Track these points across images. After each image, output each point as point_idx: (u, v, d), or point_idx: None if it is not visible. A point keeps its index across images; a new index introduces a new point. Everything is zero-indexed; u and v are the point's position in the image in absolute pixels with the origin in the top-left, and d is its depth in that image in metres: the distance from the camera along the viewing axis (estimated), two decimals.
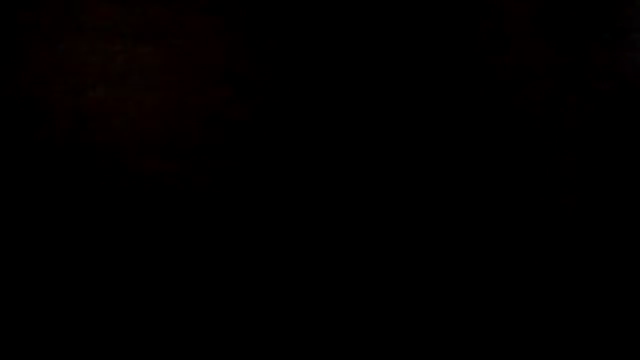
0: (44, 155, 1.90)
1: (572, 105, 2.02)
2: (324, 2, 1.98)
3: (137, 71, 1.94)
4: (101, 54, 1.90)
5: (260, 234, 1.99)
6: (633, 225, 2.03)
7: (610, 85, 2.02)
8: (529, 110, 2.03)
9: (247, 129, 1.98)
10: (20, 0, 1.84)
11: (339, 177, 1.99)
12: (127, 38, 1.90)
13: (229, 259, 1.99)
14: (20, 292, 1.91)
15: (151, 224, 1.98)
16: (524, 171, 2.03)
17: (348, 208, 1.99)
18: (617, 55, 2.01)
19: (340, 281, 2.00)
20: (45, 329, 1.92)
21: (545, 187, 2.03)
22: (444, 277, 2.00)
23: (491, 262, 2.02)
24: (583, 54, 1.99)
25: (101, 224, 1.96)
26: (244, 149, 1.99)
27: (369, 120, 1.99)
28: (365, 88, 2.00)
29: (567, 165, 2.01)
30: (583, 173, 2.02)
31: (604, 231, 2.04)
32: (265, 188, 1.99)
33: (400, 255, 1.99)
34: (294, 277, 2.00)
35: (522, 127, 2.02)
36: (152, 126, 1.93)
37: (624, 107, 2.02)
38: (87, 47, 1.88)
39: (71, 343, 1.92)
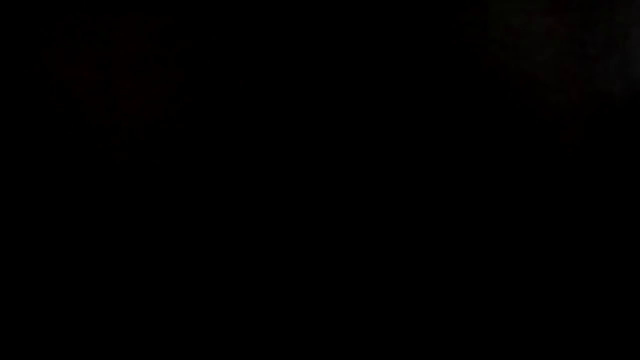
0: None
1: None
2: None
3: None
4: None
5: (257, 232, 1.99)
6: (634, 222, 2.03)
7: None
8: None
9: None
10: None
11: (334, 176, 1.99)
12: None
13: (225, 257, 1.99)
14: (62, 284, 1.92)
15: (142, 217, 1.98)
16: (527, 165, 2.02)
17: (344, 207, 1.99)
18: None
19: (334, 279, 2.00)
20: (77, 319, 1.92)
21: (547, 181, 2.03)
22: (443, 275, 2.00)
23: (491, 261, 2.02)
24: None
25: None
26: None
27: (368, 115, 1.99)
28: (360, 79, 1.99)
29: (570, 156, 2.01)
30: (586, 166, 2.01)
31: (605, 228, 2.03)
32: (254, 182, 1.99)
33: (399, 251, 1.99)
34: (284, 275, 2.00)
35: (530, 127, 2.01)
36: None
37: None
38: None
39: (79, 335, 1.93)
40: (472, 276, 1.99)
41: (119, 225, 1.95)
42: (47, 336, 1.92)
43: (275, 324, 1.98)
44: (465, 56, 1.98)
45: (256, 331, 1.98)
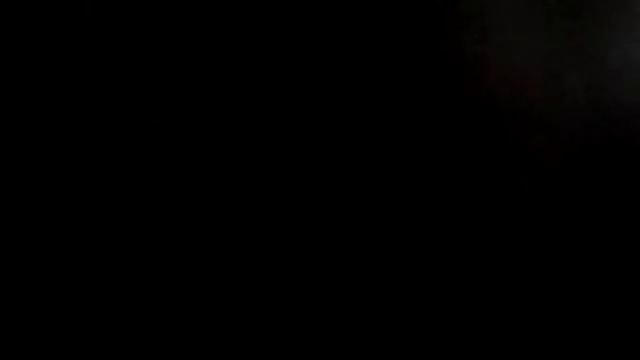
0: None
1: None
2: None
3: None
4: None
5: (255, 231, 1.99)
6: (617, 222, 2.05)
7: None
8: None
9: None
10: None
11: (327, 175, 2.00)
12: None
13: (223, 256, 1.99)
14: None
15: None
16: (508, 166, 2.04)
17: (340, 206, 2.00)
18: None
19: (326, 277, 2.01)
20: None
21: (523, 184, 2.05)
22: (442, 275, 2.01)
23: (489, 261, 2.03)
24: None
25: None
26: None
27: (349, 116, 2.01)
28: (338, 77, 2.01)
29: (546, 164, 2.03)
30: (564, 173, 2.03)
31: (577, 233, 2.06)
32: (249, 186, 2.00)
33: (399, 250, 2.00)
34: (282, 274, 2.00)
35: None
36: None
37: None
38: None
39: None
40: (470, 275, 2.00)
41: (118, 224, 1.95)
42: (46, 336, 1.91)
43: (274, 324, 1.98)
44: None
45: (255, 331, 1.98)
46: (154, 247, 1.96)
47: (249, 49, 2.00)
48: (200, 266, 1.98)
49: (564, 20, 2.01)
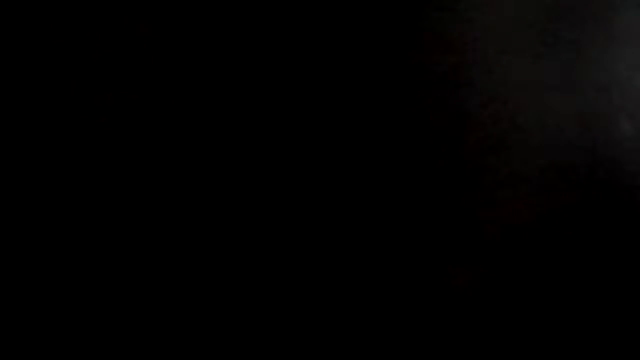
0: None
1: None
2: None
3: None
4: None
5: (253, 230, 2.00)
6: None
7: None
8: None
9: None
10: None
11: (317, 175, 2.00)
12: None
13: (222, 257, 2.00)
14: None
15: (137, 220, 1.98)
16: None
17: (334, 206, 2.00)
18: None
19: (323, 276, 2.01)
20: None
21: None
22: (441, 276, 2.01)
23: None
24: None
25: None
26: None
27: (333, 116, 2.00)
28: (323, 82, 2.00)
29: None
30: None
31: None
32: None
33: (398, 251, 2.00)
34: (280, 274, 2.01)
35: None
36: None
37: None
38: None
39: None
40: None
41: (116, 224, 1.96)
42: (46, 336, 1.93)
43: (273, 324, 1.99)
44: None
45: (254, 331, 1.99)
46: (154, 247, 1.96)
47: (243, 51, 1.99)
48: (199, 266, 1.98)
49: (551, 41, 2.00)
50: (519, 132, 1.98)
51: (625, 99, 2.01)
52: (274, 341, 1.98)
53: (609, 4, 2.03)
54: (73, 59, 1.93)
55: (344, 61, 1.99)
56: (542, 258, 2.01)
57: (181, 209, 1.97)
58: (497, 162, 1.96)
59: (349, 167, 1.97)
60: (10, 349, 1.90)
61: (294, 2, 1.97)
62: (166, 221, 1.96)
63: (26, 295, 1.91)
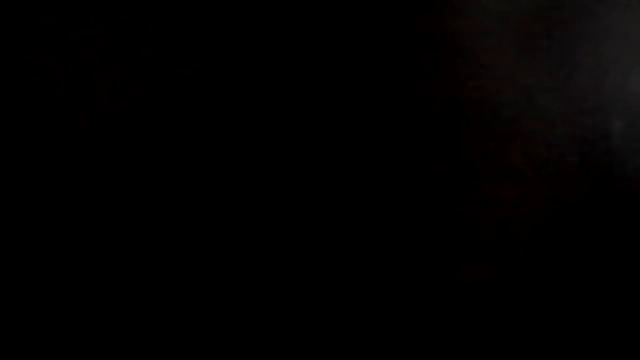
0: None
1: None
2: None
3: None
4: None
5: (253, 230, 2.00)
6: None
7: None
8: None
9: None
10: None
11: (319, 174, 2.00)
12: None
13: (221, 256, 2.00)
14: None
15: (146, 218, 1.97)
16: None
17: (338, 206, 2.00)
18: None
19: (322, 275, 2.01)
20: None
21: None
22: (442, 277, 2.00)
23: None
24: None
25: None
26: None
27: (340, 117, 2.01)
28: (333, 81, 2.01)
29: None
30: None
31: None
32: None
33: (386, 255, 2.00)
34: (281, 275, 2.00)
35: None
36: None
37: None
38: None
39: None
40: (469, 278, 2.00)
41: (115, 224, 1.95)
42: (46, 335, 1.91)
43: (272, 324, 1.98)
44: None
45: (254, 330, 1.98)
46: (154, 247, 1.96)
47: (243, 50, 2.00)
48: (198, 265, 1.98)
49: (540, 39, 2.02)
50: (512, 129, 1.99)
51: (617, 98, 2.04)
52: (277, 339, 1.97)
53: (602, 2, 2.05)
54: (73, 59, 1.95)
55: (342, 65, 2.01)
56: (540, 254, 2.01)
57: (181, 209, 1.96)
58: (493, 159, 1.97)
59: (353, 164, 1.98)
60: (10, 349, 1.88)
61: None
62: (166, 221, 1.95)
63: (26, 295, 1.90)
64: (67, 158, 1.94)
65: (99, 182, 1.94)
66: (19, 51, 1.95)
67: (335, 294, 1.97)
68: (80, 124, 1.93)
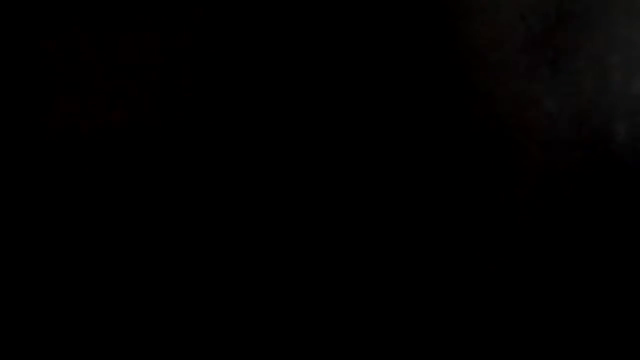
0: None
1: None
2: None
3: None
4: None
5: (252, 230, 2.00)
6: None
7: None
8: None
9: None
10: None
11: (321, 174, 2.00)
12: None
13: (220, 255, 2.00)
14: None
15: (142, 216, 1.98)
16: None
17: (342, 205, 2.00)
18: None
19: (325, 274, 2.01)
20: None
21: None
22: (443, 277, 2.00)
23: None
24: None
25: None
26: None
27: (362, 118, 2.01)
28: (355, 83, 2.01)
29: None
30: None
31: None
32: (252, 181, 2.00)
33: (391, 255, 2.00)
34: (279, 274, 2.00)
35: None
36: None
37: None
38: None
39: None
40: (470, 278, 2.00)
41: (115, 224, 1.95)
42: (46, 335, 1.92)
43: (272, 324, 1.98)
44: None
45: (254, 330, 1.98)
46: (154, 247, 1.96)
47: (247, 48, 2.00)
48: (198, 265, 1.98)
49: (544, 44, 2.02)
50: (519, 133, 1.99)
51: (620, 103, 2.03)
52: (277, 340, 1.97)
53: (607, 9, 2.05)
54: (72, 58, 1.95)
55: (345, 68, 2.01)
56: (541, 254, 2.01)
57: (180, 208, 1.96)
58: (500, 160, 1.98)
59: (356, 164, 1.98)
60: (10, 348, 1.89)
61: None
62: (166, 220, 1.96)
63: (26, 295, 1.90)
64: (68, 158, 1.94)
65: (99, 182, 1.94)
66: (19, 51, 1.95)
67: (338, 291, 1.97)
68: (80, 124, 1.94)
